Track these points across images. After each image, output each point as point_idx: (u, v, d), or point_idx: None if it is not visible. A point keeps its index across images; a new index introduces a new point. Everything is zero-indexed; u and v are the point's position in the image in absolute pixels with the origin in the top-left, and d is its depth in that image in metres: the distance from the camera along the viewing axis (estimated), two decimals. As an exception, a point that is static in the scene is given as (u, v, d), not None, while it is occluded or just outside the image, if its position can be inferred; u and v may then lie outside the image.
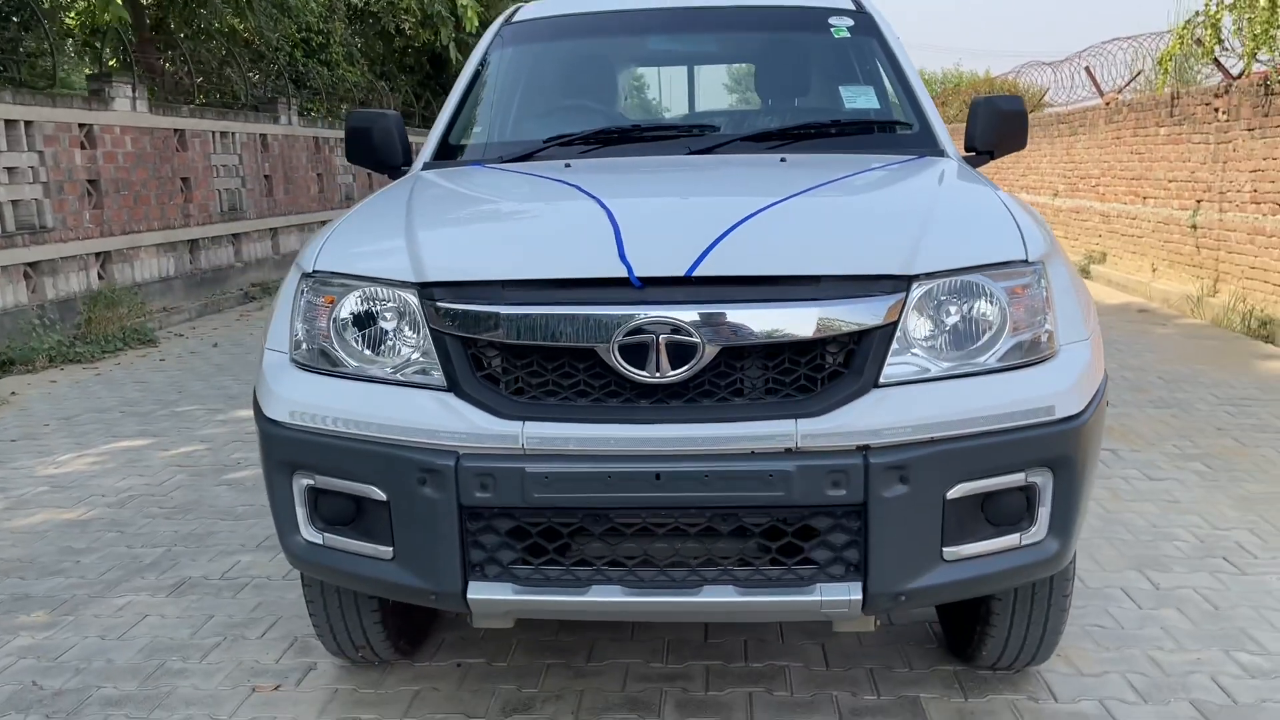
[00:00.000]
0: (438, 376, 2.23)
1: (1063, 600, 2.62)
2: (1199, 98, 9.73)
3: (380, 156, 3.41)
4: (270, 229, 12.99)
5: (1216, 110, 9.30)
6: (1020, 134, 3.34)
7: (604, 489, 2.12)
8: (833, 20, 3.67)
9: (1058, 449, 2.19)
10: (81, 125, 9.23)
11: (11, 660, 3.14)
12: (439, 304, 2.22)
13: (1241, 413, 5.65)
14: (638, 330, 2.11)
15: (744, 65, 4.92)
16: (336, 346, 2.33)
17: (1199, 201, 9.65)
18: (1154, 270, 10.66)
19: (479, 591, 2.22)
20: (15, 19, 11.76)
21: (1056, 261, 2.36)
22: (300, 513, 2.36)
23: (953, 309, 2.20)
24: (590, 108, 3.79)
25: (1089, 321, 2.37)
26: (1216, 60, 9.55)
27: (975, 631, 2.76)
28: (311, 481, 2.32)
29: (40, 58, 11.91)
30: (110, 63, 12.18)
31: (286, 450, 2.33)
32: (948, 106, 21.56)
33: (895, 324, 2.15)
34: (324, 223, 13.61)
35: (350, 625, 2.79)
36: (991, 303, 2.21)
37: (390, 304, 2.29)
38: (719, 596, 2.19)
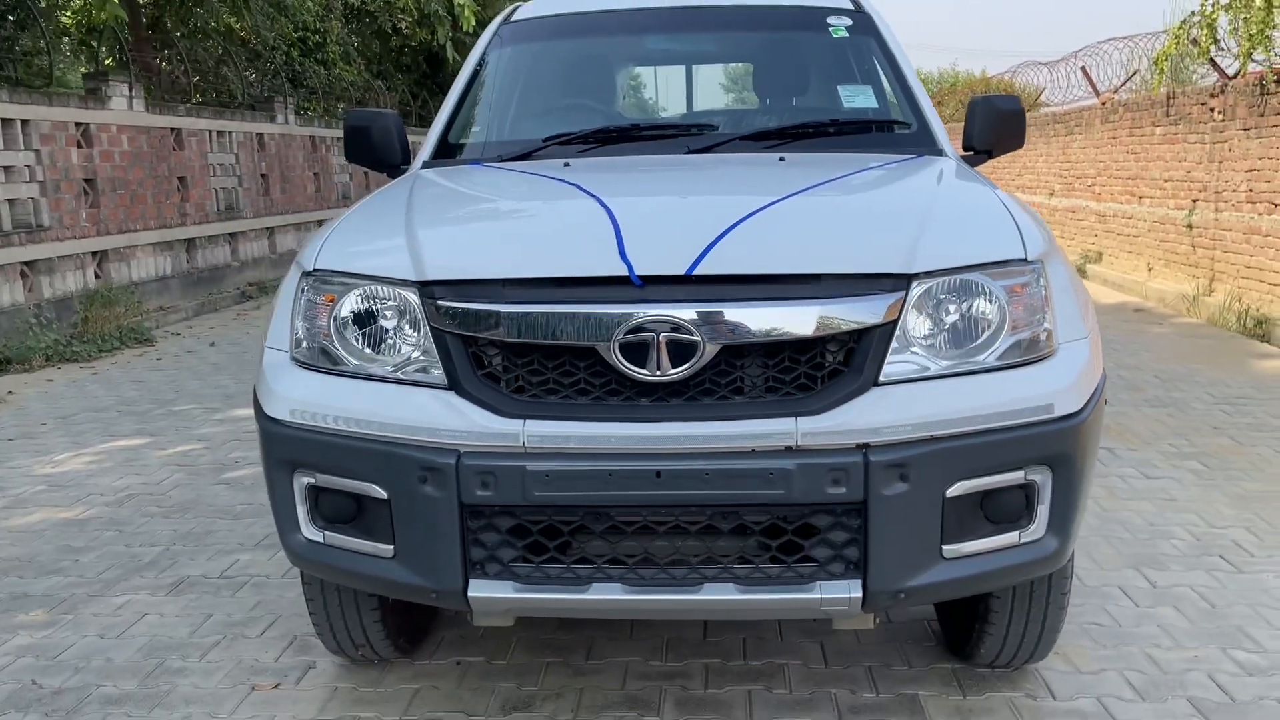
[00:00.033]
0: (438, 375, 2.23)
1: (1061, 598, 2.63)
2: (1195, 98, 9.76)
3: (379, 155, 3.41)
4: (267, 228, 12.97)
5: (1212, 110, 9.32)
6: (1018, 133, 3.35)
7: (605, 487, 2.13)
8: (831, 20, 3.68)
9: (1057, 447, 2.20)
10: (78, 124, 9.22)
11: (10, 659, 3.14)
12: (440, 302, 2.23)
13: (1237, 411, 5.67)
14: (638, 329, 2.11)
15: (741, 65, 4.93)
16: (337, 345, 2.33)
17: (1195, 201, 9.67)
18: (1150, 270, 10.68)
19: (480, 589, 2.22)
20: (11, 17, 11.74)
21: (1055, 260, 2.37)
22: (301, 511, 2.36)
23: (952, 307, 2.21)
24: (589, 107, 3.80)
25: (1087, 320, 2.38)
26: (1212, 60, 9.57)
27: (974, 629, 2.76)
28: (312, 480, 2.32)
29: (36, 56, 11.90)
30: (106, 61, 12.20)
31: (287, 448, 2.33)
32: (944, 106, 21.58)
33: (895, 322, 2.16)
34: (320, 222, 13.64)
35: (350, 623, 2.79)
36: (991, 301, 2.22)
37: (391, 302, 2.29)
38: (719, 594, 2.19)
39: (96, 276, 9.47)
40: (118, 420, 6.13)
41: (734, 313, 2.13)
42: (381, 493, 2.22)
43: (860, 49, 3.68)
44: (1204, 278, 9.38)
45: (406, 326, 2.28)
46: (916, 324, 2.19)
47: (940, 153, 3.18)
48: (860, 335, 2.16)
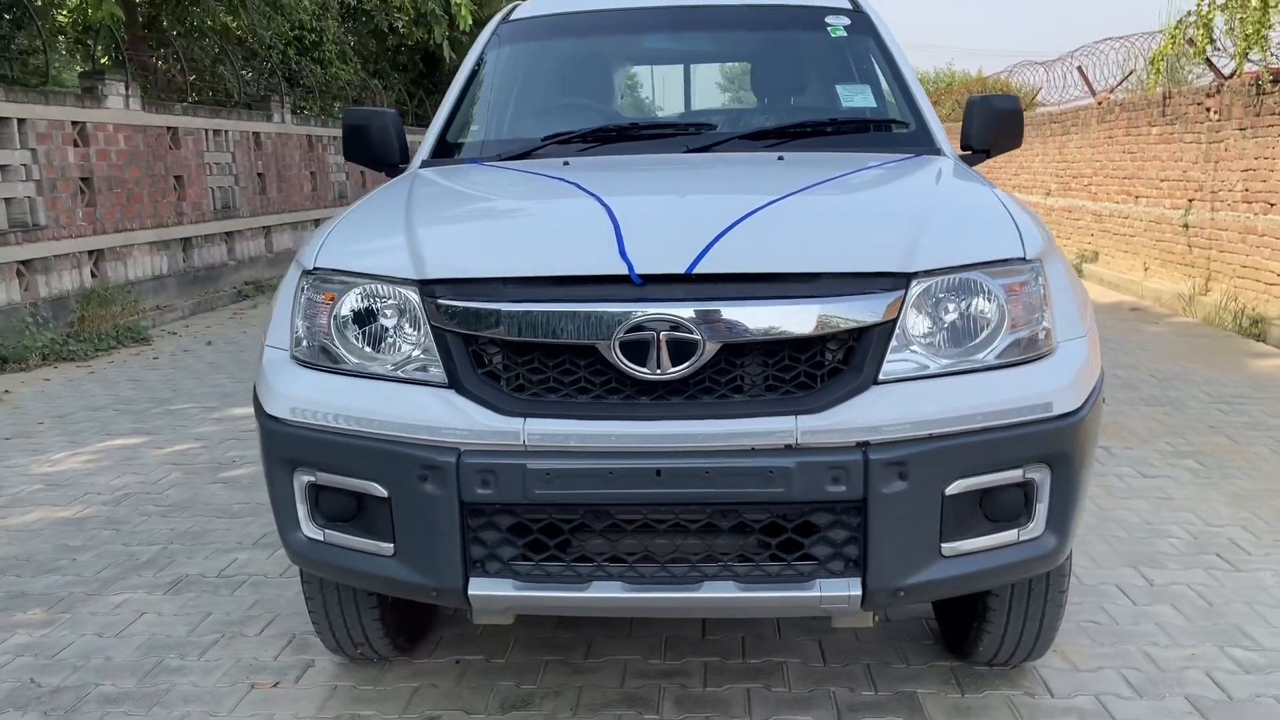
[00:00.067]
0: (439, 373, 2.23)
1: (1059, 596, 2.64)
2: (1191, 97, 9.78)
3: (378, 154, 3.41)
4: (263, 227, 12.97)
5: (1208, 110, 9.34)
6: (1016, 133, 3.36)
7: (605, 485, 2.13)
8: (829, 19, 3.68)
9: (1055, 445, 2.20)
10: (74, 123, 9.21)
11: (9, 658, 3.14)
12: (440, 301, 2.23)
13: (1233, 410, 5.68)
14: (638, 327, 2.12)
15: (739, 64, 4.93)
16: (337, 343, 2.33)
17: (1191, 201, 9.69)
18: (1146, 269, 10.70)
19: (480, 588, 2.22)
20: (7, 16, 11.71)
21: (1053, 259, 2.37)
22: (301, 509, 2.36)
23: (951, 306, 2.22)
24: (588, 106, 3.81)
25: (1086, 319, 2.38)
26: (1208, 60, 9.59)
27: (972, 627, 2.77)
28: (312, 478, 2.32)
29: (33, 55, 11.87)
30: (103, 60, 12.16)
31: (287, 447, 2.33)
32: (940, 105, 21.59)
33: (894, 321, 2.16)
34: (317, 221, 13.63)
35: (349, 622, 2.79)
36: (990, 300, 2.22)
37: (391, 301, 2.29)
38: (719, 592, 2.20)
39: (93, 275, 9.46)
40: (115, 419, 6.12)
41: (734, 311, 2.13)
42: (382, 491, 2.23)
43: (858, 48, 3.68)
44: (1200, 277, 9.40)
45: (407, 325, 2.28)
46: (916, 323, 2.20)
47: (939, 152, 3.19)
48: (860, 334, 2.16)
